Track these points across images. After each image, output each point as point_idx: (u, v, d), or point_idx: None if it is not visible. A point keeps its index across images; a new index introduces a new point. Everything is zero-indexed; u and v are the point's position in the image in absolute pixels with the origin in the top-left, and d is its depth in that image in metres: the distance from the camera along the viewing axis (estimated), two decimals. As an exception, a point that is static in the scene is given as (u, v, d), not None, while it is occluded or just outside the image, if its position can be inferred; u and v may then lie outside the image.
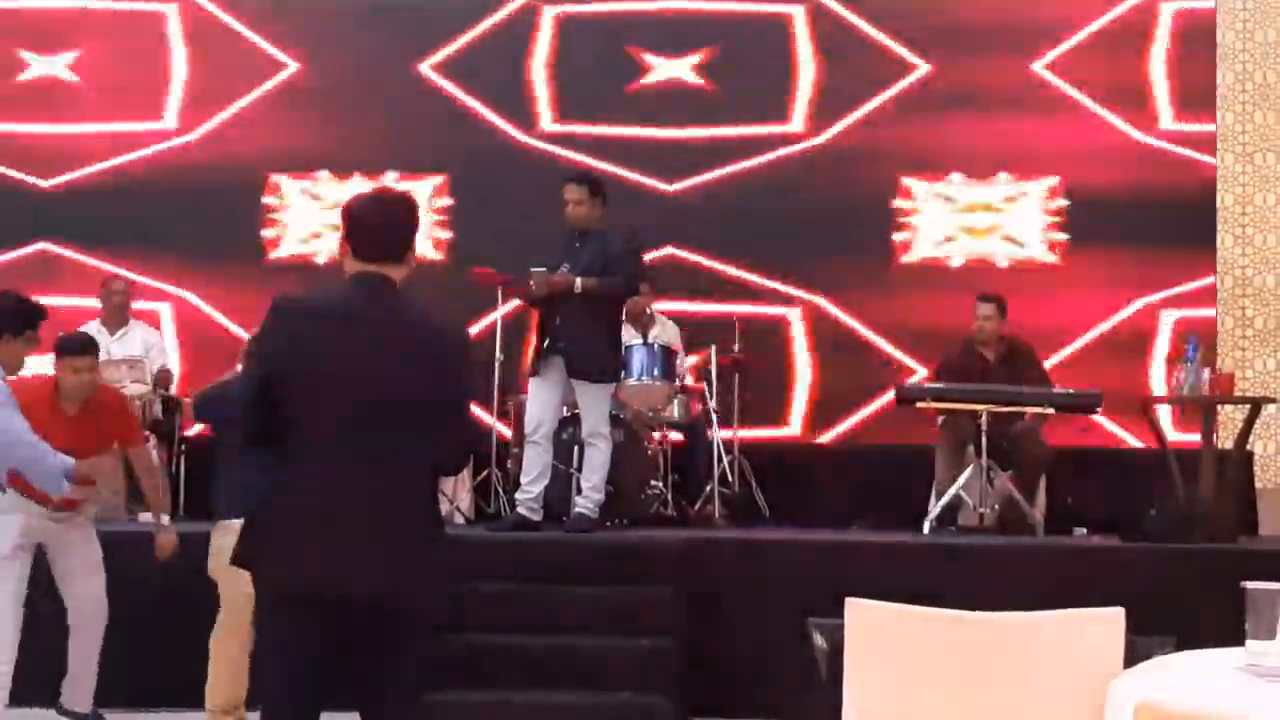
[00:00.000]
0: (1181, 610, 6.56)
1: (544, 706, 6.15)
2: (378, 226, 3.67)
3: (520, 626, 6.54)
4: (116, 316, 9.08)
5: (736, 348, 8.88)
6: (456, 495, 8.46)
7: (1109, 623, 2.76)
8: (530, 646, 6.43)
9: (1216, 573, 6.81)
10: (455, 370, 3.71)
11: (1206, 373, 7.90)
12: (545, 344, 7.53)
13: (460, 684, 6.21)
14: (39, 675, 6.43)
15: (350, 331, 3.59)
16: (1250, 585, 2.71)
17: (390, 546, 3.54)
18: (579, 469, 7.70)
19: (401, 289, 3.71)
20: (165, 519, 6.66)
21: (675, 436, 8.78)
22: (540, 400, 7.54)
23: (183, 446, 8.84)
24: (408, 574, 3.57)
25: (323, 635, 3.54)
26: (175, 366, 9.28)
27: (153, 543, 6.55)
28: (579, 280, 7.40)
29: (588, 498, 7.52)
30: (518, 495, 7.61)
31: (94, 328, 8.97)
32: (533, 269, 7.55)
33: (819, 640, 4.39)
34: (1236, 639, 2.67)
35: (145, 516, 8.31)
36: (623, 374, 7.96)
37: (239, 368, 6.76)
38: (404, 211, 3.74)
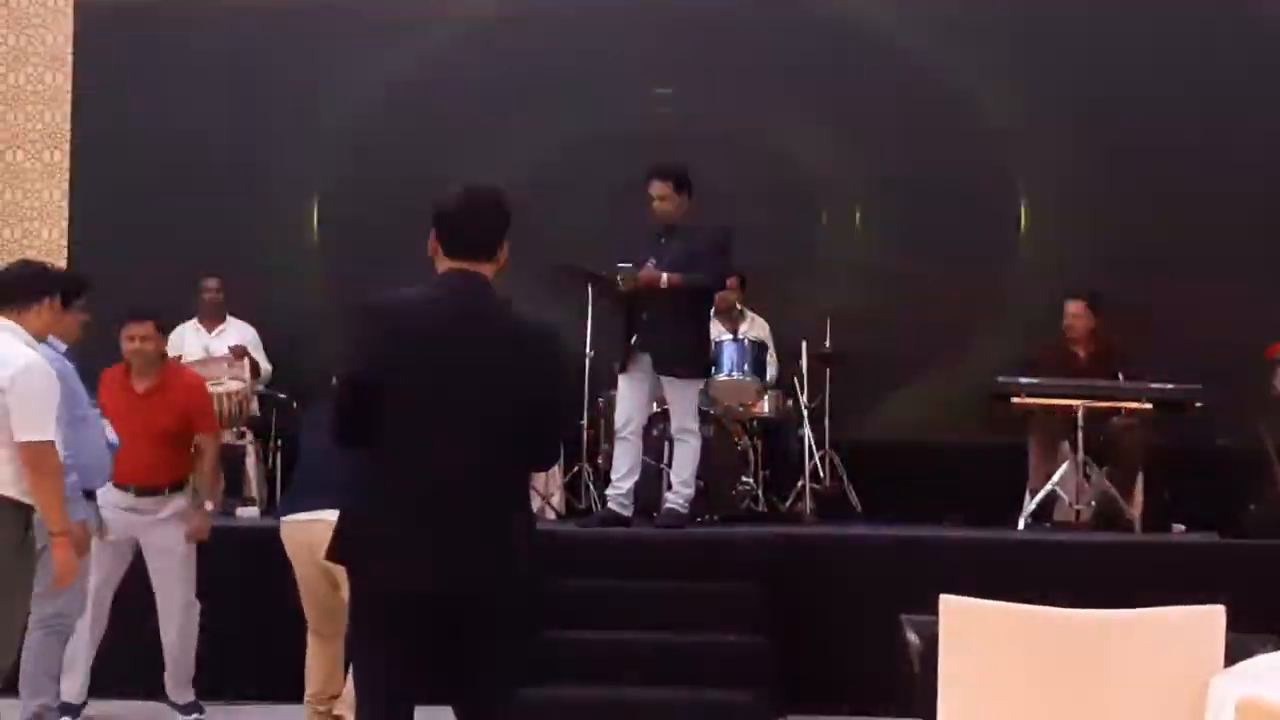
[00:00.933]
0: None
1: (635, 703, 6.13)
2: (468, 223, 3.65)
3: (611, 623, 6.53)
4: (213, 314, 9.21)
5: (828, 344, 8.83)
6: (548, 491, 8.49)
7: (1209, 620, 2.72)
8: (621, 643, 6.41)
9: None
10: (549, 367, 3.71)
11: (1308, 369, 7.75)
12: (632, 340, 7.54)
13: (551, 680, 6.20)
14: (142, 666, 6.60)
15: (443, 329, 3.58)
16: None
17: (483, 544, 3.55)
18: (669, 464, 7.69)
19: (494, 286, 3.71)
20: (209, 504, 6.72)
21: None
22: (629, 397, 7.54)
23: (279, 442, 8.95)
24: (500, 571, 3.57)
25: (417, 631, 3.56)
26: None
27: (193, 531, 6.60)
28: (665, 276, 7.39)
29: (677, 493, 7.51)
30: (608, 491, 7.62)
31: (190, 326, 9.16)
32: (619, 265, 7.57)
33: (912, 637, 4.36)
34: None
35: (241, 511, 8.50)
36: (713, 370, 7.96)
37: None
38: (494, 207, 3.71)
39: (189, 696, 6.64)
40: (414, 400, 3.54)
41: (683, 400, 7.51)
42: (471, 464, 3.54)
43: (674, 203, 7.52)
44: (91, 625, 6.43)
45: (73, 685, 6.46)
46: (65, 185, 10.11)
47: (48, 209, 10.08)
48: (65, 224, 10.08)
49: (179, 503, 6.60)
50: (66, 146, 10.12)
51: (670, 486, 7.58)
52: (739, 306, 8.66)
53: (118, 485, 6.39)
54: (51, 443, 4.72)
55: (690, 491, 7.53)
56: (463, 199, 3.69)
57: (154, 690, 6.67)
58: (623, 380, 7.61)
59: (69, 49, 10.17)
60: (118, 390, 6.54)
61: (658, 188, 7.52)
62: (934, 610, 6.31)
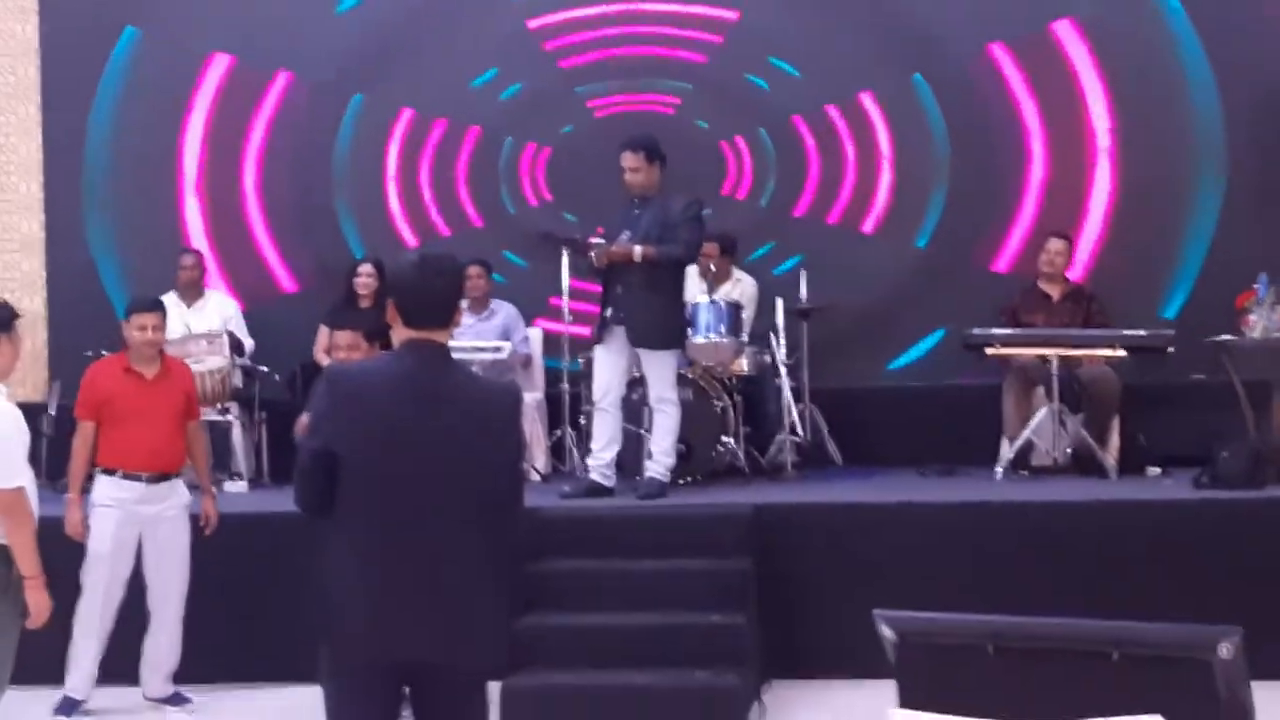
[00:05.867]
0: (1254, 567, 6.60)
1: (619, 688, 6.17)
2: (425, 294, 3.70)
3: (595, 605, 6.59)
4: (191, 289, 9.22)
5: (804, 296, 8.85)
6: (531, 454, 8.55)
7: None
8: (605, 626, 6.48)
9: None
10: (510, 431, 3.78)
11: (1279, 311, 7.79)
12: (607, 313, 7.59)
13: (536, 665, 6.29)
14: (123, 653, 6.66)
15: (407, 399, 3.63)
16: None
17: (457, 611, 3.62)
18: (650, 430, 7.76)
19: (450, 353, 3.78)
20: (213, 490, 7.08)
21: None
22: (606, 367, 7.61)
23: (264, 414, 9.02)
24: (474, 640, 3.65)
25: (393, 695, 3.66)
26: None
27: (205, 519, 6.84)
28: (638, 248, 7.43)
29: (658, 462, 7.59)
30: (589, 461, 7.71)
31: (170, 300, 9.14)
32: (590, 239, 7.61)
33: (887, 632, 4.47)
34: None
35: (229, 486, 8.57)
36: (690, 332, 8.01)
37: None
38: (448, 278, 3.79)
39: (172, 688, 6.76)
40: (378, 469, 3.59)
41: (659, 371, 7.58)
42: (436, 532, 3.60)
43: (646, 174, 7.54)
44: (100, 625, 6.55)
45: (79, 681, 6.59)
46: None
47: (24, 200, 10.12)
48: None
49: (184, 493, 6.75)
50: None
51: (651, 455, 7.66)
52: (713, 269, 8.65)
53: (127, 476, 6.53)
54: (22, 489, 4.77)
55: (671, 460, 7.62)
56: (418, 269, 3.74)
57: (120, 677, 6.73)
58: (599, 351, 7.67)
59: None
60: (123, 379, 6.66)
61: (629, 159, 7.54)
62: (916, 582, 6.44)
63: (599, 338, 7.64)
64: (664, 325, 7.54)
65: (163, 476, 6.62)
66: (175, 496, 6.70)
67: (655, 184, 7.57)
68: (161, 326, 6.74)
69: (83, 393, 6.70)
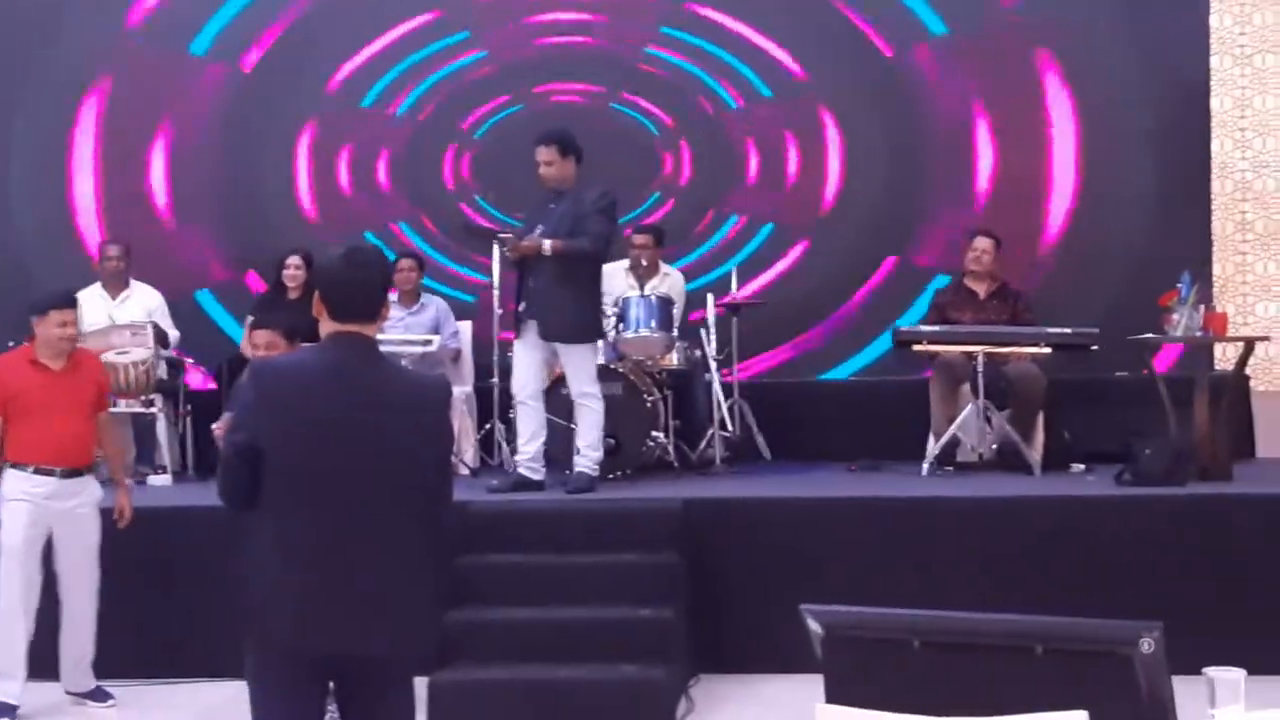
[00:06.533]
0: (1174, 562, 6.70)
1: (546, 682, 6.15)
2: (351, 288, 3.68)
3: (522, 599, 6.58)
4: (115, 280, 9.11)
5: (733, 291, 8.89)
6: (460, 448, 8.53)
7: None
8: (533, 620, 6.46)
9: (1209, 516, 6.92)
10: (438, 425, 3.77)
11: (1201, 311, 7.88)
12: (520, 307, 7.58)
13: (463, 660, 6.27)
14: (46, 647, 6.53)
15: (333, 393, 3.61)
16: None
17: (385, 604, 3.60)
18: (576, 424, 7.75)
19: (378, 347, 3.76)
20: (128, 482, 6.96)
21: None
22: (524, 361, 7.60)
23: (189, 406, 8.93)
24: (403, 631, 3.65)
25: (318, 689, 3.64)
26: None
27: (120, 512, 6.72)
28: (547, 243, 7.40)
29: (586, 456, 7.56)
30: (517, 456, 7.69)
31: (95, 292, 9.05)
32: (500, 235, 7.60)
33: (814, 626, 4.48)
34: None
35: (153, 479, 8.48)
36: (621, 326, 8.02)
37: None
38: (375, 271, 3.75)
39: (93, 682, 6.66)
40: (305, 462, 3.57)
41: (578, 365, 7.54)
42: (365, 524, 3.59)
43: (559, 168, 7.51)
44: (24, 621, 6.41)
45: (11, 686, 6.44)
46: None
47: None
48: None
49: (96, 489, 6.63)
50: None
51: (578, 450, 7.65)
52: (645, 263, 8.65)
53: (39, 471, 6.41)
54: None
55: (598, 454, 7.60)
56: (345, 263, 3.70)
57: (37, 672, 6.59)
58: (517, 346, 7.68)
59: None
60: (30, 372, 6.52)
61: (543, 153, 7.51)
62: (843, 577, 6.46)
63: (516, 332, 7.63)
64: (577, 319, 7.50)
65: (75, 471, 6.49)
66: (87, 492, 6.57)
67: (570, 178, 7.54)
68: (75, 322, 6.63)
69: None
